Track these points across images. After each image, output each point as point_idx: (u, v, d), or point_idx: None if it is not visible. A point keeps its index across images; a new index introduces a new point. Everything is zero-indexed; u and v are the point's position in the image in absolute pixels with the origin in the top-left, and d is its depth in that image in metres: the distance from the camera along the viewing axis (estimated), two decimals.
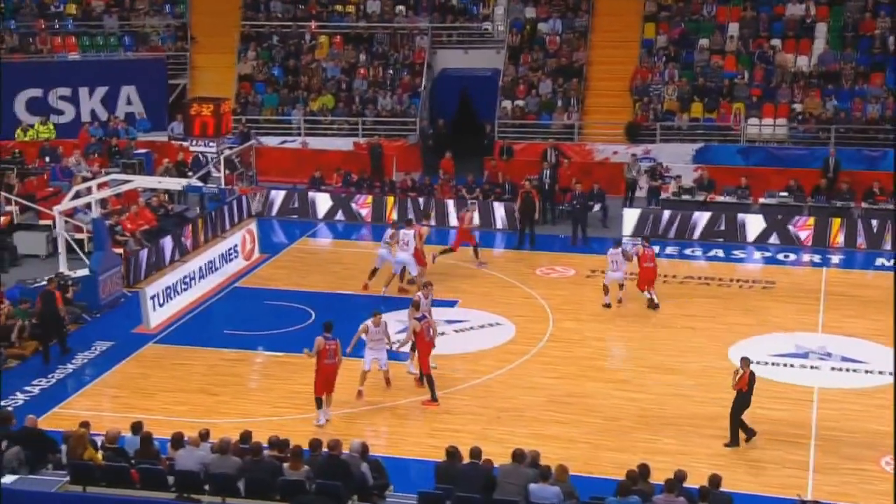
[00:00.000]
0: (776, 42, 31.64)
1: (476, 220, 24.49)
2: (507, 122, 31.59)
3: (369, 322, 17.32)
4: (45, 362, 18.89)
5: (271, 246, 25.67)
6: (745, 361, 15.79)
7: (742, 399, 15.67)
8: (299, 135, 32.09)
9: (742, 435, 15.84)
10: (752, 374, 15.70)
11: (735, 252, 25.40)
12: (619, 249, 21.48)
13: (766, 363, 18.86)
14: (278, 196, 28.20)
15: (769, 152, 29.66)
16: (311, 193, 28.30)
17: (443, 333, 19.68)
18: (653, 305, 21.20)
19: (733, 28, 32.27)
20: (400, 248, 22.01)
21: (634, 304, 21.61)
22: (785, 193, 26.84)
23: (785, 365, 18.83)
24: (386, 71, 33.29)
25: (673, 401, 17.21)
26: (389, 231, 22.34)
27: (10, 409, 15.98)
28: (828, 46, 31.13)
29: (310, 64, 33.70)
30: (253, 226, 25.29)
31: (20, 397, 17.49)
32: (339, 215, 27.78)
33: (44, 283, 21.14)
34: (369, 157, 30.27)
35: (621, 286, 21.37)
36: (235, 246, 24.10)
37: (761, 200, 26.91)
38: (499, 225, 26.89)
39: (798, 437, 16.07)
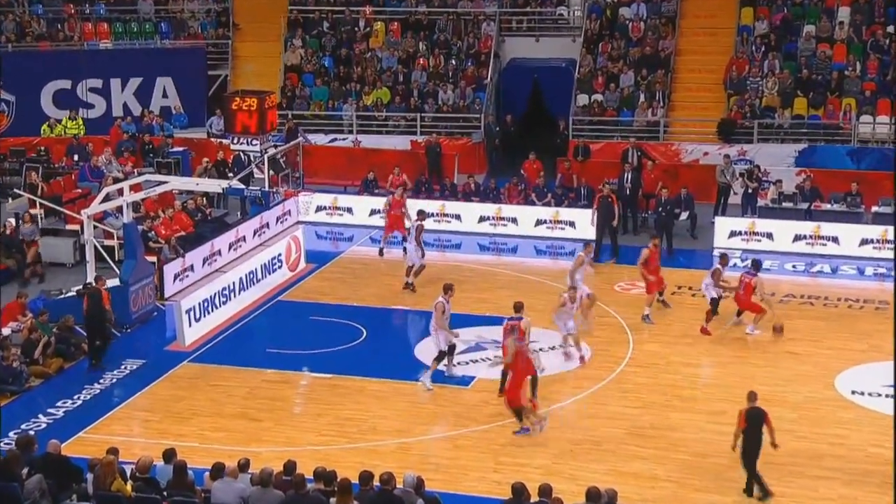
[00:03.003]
0: (892, 29, 31.11)
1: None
2: (583, 118, 31.48)
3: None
4: (91, 366, 19.55)
5: (318, 255, 25.84)
6: (749, 396, 15.36)
7: (746, 441, 15.18)
8: (351, 132, 32.30)
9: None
10: (751, 410, 15.18)
11: (843, 268, 24.99)
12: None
13: (879, 395, 18.53)
14: (327, 200, 28.39)
15: (884, 154, 29.13)
16: (363, 197, 28.47)
17: None
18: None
19: (843, 13, 31.81)
20: (409, 241, 23.26)
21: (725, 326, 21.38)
22: None
23: None
24: (448, 61, 33.39)
25: None
26: (580, 256, 21.52)
27: (32, 433, 16.25)
28: None
29: (364, 53, 33.94)
30: (298, 233, 25.49)
31: (43, 420, 17.79)
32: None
33: (72, 293, 21.57)
34: (426, 157, 30.38)
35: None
36: (279, 255, 24.32)
37: (874, 209, 26.48)
38: (585, 234, 26.79)
39: None
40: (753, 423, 15.11)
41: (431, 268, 23.52)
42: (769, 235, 25.92)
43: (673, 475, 16.02)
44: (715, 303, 21.14)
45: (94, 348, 19.79)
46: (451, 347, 19.02)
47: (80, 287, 21.68)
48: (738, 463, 16.13)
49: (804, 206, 26.80)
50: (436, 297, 19.07)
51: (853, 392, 18.68)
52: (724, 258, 21.69)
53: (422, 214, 23.86)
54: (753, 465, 15.23)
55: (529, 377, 17.71)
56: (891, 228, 25.33)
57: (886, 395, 18.49)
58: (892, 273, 23.90)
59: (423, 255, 23.25)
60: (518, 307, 18.19)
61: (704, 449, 16.73)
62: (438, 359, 18.86)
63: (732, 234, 26.06)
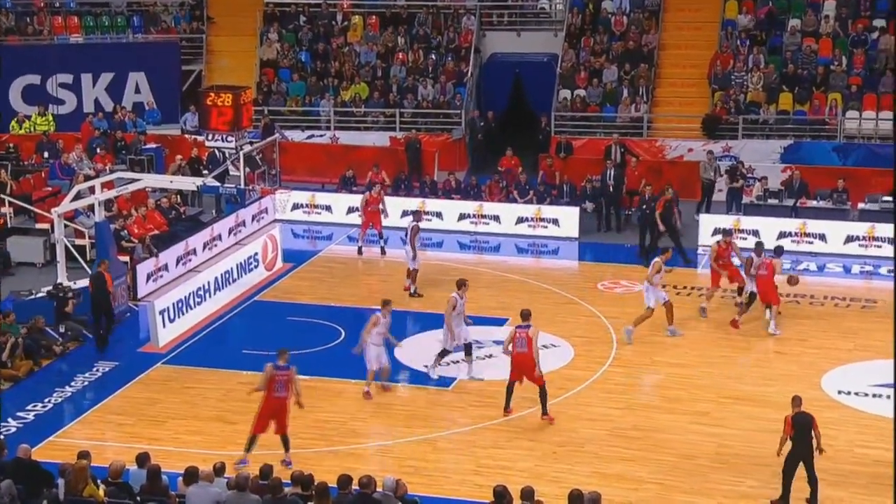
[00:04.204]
0: (879, 22, 31.29)
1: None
2: (565, 114, 31.53)
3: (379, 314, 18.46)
4: (99, 350, 20.20)
5: (296, 254, 25.80)
6: (794, 401, 15.35)
7: (794, 446, 15.11)
8: (329, 128, 32.26)
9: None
10: (798, 416, 15.13)
11: (830, 265, 25.12)
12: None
13: (867, 395, 18.65)
14: (304, 197, 28.35)
15: (871, 150, 29.33)
16: (341, 195, 28.44)
17: (490, 356, 19.71)
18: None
19: (829, 6, 31.97)
20: (406, 243, 22.99)
21: (712, 324, 21.45)
22: (889, 198, 26.48)
23: (888, 397, 18.56)
24: (428, 56, 33.38)
25: (758, 437, 17.01)
26: (657, 262, 20.88)
27: (1, 437, 16.22)
28: None
29: (341, 48, 33.88)
30: (275, 231, 25.44)
31: (13, 424, 17.68)
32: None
33: (42, 294, 21.48)
34: (406, 154, 30.37)
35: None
36: (255, 254, 24.26)
37: (861, 206, 26.62)
38: (568, 232, 26.88)
39: None
40: (801, 429, 15.01)
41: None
42: (755, 233, 25.99)
43: (657, 477, 16.06)
44: (752, 296, 21.40)
45: (100, 334, 20.32)
46: (446, 351, 19.07)
47: (51, 287, 21.60)
48: (722, 465, 16.25)
49: (790, 202, 26.92)
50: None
51: (839, 392, 18.79)
52: (758, 247, 21.80)
53: (417, 215, 23.76)
54: (802, 471, 15.03)
55: (539, 388, 17.50)
56: (878, 225, 25.49)
57: (873, 395, 18.62)
58: (890, 272, 24.08)
59: (414, 257, 22.99)
60: (525, 315, 17.79)
61: (689, 450, 16.79)
62: (467, 353, 18.94)
63: (717, 231, 26.09)
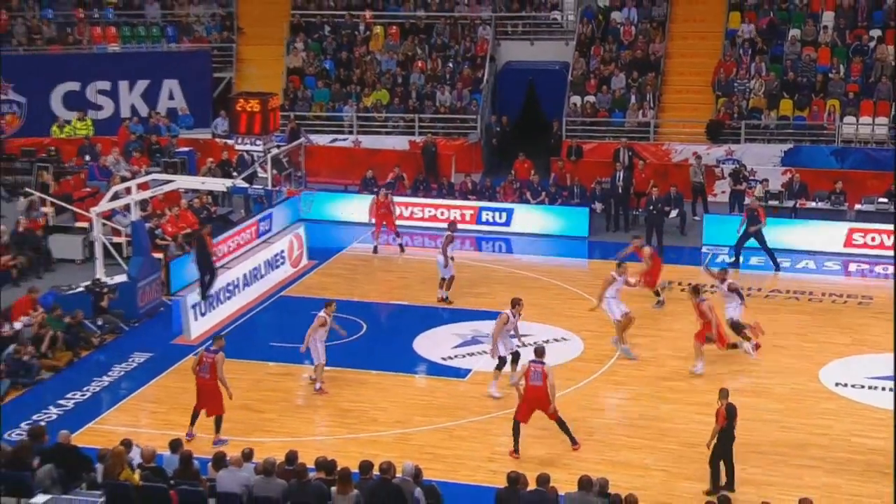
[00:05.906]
0: (876, 32, 31.14)
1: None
2: (576, 119, 31.49)
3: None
4: (202, 298, 21.01)
5: (320, 252, 25.86)
6: (722, 393, 15.28)
7: (725, 436, 15.13)
8: (351, 133, 32.31)
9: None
10: (730, 407, 15.09)
11: (827, 263, 25.03)
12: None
13: (863, 387, 18.60)
14: (328, 198, 28.40)
15: (867, 154, 29.21)
16: (363, 195, 28.48)
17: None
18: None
19: (828, 17, 31.83)
20: (439, 252, 22.65)
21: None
22: (884, 200, 26.42)
23: (884, 389, 18.51)
24: (445, 64, 33.38)
25: (758, 426, 16.99)
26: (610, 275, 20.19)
27: (43, 423, 16.30)
28: None
29: (363, 56, 33.92)
30: (301, 230, 25.50)
31: (54, 411, 17.82)
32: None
33: (80, 289, 21.60)
34: (422, 157, 30.40)
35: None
36: (282, 252, 24.33)
37: (857, 207, 26.55)
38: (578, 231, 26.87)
39: None
40: (732, 418, 15.09)
41: (428, 265, 23.52)
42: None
43: (663, 464, 16.06)
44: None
45: (204, 284, 20.98)
46: (515, 355, 18.29)
47: (89, 283, 21.70)
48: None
49: (790, 203, 26.84)
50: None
51: (837, 384, 18.74)
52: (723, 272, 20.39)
53: (452, 226, 23.40)
54: (732, 458, 15.19)
55: (556, 422, 16.43)
56: (874, 226, 25.37)
57: (869, 387, 18.57)
58: (885, 270, 23.98)
59: (446, 265, 22.46)
60: (540, 352, 16.64)
61: (693, 439, 16.71)
62: (499, 367, 18.30)
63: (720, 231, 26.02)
